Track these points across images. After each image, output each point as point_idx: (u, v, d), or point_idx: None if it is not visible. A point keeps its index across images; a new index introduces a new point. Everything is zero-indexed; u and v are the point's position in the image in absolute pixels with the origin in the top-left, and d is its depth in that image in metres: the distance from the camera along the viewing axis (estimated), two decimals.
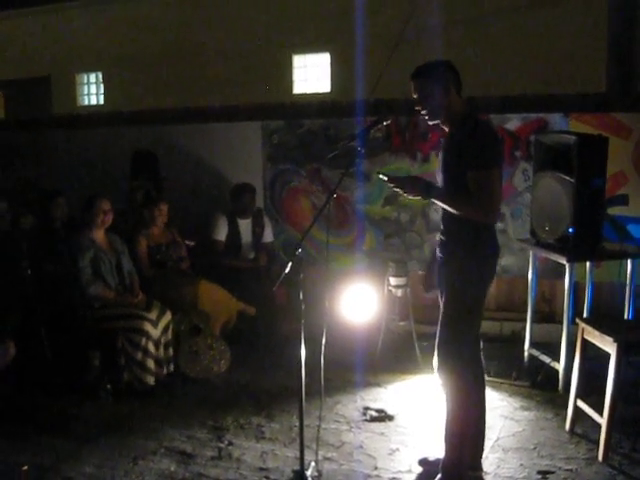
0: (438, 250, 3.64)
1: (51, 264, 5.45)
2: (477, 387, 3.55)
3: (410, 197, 3.45)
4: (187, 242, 6.07)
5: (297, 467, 3.55)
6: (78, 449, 4.10)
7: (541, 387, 4.89)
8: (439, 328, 3.50)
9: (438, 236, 3.68)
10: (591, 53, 11.36)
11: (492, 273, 3.51)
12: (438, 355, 3.52)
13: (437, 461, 3.70)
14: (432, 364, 3.61)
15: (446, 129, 3.52)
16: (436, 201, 3.42)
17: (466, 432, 3.48)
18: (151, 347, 4.95)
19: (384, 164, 6.29)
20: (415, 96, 3.46)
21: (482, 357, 3.62)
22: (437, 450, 3.75)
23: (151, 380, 4.95)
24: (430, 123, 3.53)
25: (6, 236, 5.53)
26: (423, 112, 3.46)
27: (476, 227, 3.38)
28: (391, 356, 5.50)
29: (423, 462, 3.83)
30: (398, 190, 3.42)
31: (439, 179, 3.54)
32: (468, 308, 3.43)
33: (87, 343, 5.04)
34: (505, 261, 6.10)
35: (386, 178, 3.42)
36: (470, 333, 3.47)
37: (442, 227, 3.60)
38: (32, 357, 4.98)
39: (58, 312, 5.21)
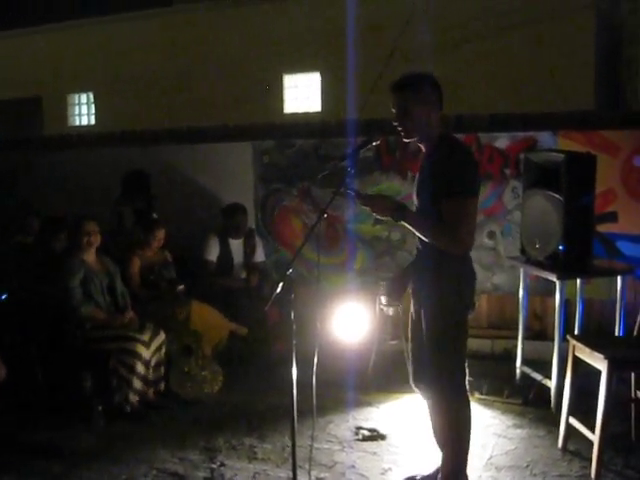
0: (413, 273, 3.60)
1: (44, 285, 5.44)
2: (467, 398, 3.52)
3: (378, 217, 3.34)
4: None
5: None
6: (68, 471, 4.07)
7: (533, 404, 4.89)
8: (427, 352, 3.42)
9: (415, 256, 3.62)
10: (579, 71, 11.49)
11: (472, 294, 3.41)
12: (429, 377, 3.48)
13: (424, 479, 3.70)
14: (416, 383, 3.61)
15: (423, 148, 3.43)
16: (406, 224, 3.31)
17: (465, 441, 3.46)
18: (142, 369, 4.93)
19: (375, 183, 6.32)
20: (394, 110, 3.32)
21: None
22: (427, 468, 3.77)
23: (135, 399, 4.92)
24: (405, 141, 3.42)
25: None
26: (400, 128, 3.34)
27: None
28: (383, 375, 5.48)
29: None
30: (366, 208, 3.35)
31: (415, 201, 3.47)
32: (453, 331, 3.36)
33: (78, 364, 5.02)
34: (496, 279, 6.13)
35: (353, 194, 3.35)
36: (460, 354, 3.42)
37: (417, 248, 3.50)
38: (23, 378, 4.95)
39: (49, 333, 5.19)
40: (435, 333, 3.36)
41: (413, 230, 3.34)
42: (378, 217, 3.36)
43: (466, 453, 3.50)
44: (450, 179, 3.18)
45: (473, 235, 3.32)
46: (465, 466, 3.53)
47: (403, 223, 3.31)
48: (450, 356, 3.38)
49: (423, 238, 3.32)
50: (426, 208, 3.33)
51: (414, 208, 3.50)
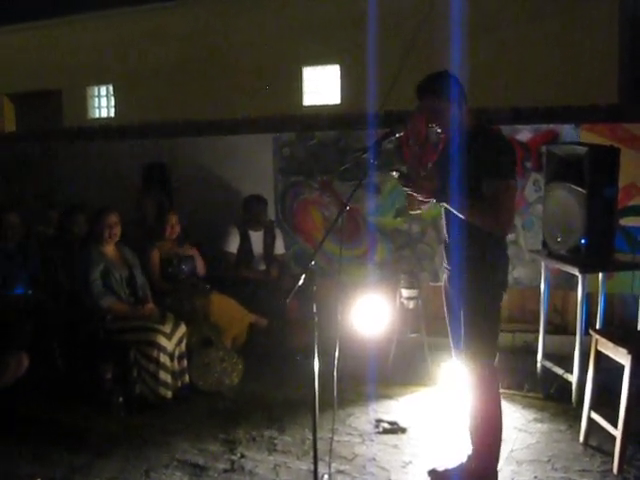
0: (445, 262, 3.61)
1: (64, 277, 5.47)
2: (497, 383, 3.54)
3: (420, 198, 3.42)
4: None
5: None
6: (90, 462, 4.10)
7: (554, 399, 4.88)
8: (465, 333, 3.44)
9: (443, 246, 3.66)
10: (603, 64, 11.38)
11: (505, 280, 3.49)
12: (465, 364, 3.50)
13: (446, 471, 3.72)
14: (443, 374, 3.60)
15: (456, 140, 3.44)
16: (449, 206, 3.38)
17: (495, 433, 3.49)
18: (166, 360, 4.95)
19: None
20: (423, 114, 3.42)
21: None
22: (448, 461, 3.77)
23: (168, 394, 4.94)
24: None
25: (19, 248, 5.54)
26: (439, 131, 3.44)
27: (488, 234, 3.35)
28: (403, 368, 5.48)
29: (432, 473, 3.80)
30: (408, 189, 3.40)
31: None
32: (491, 313, 3.42)
33: (99, 356, 5.04)
34: (517, 272, 6.09)
35: (397, 175, 3.42)
36: (495, 337, 3.45)
37: (449, 237, 3.54)
38: (44, 370, 4.99)
39: (70, 325, 5.22)
40: (475, 315, 3.39)
41: (454, 211, 3.36)
42: (420, 199, 3.44)
43: (497, 449, 3.51)
44: (492, 161, 3.24)
45: (514, 217, 3.44)
46: (496, 463, 3.53)
47: (444, 204, 3.42)
48: (487, 337, 3.42)
49: (462, 217, 3.34)
50: (467, 194, 3.32)
51: None
